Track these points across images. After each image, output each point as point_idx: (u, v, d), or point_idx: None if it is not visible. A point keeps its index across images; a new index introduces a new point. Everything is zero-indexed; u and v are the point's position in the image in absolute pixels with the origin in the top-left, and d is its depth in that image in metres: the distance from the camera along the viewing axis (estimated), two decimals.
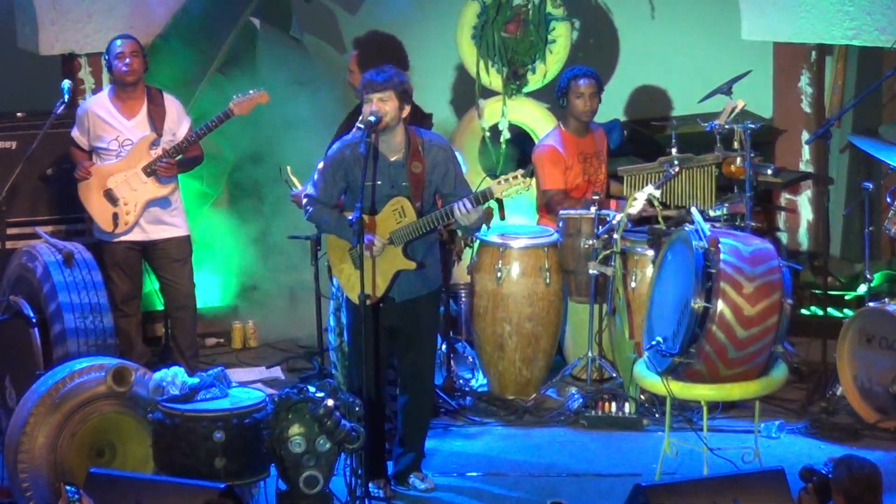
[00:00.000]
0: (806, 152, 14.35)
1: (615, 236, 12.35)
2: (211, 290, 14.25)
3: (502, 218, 12.14)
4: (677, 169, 12.72)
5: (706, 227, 11.42)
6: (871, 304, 12.55)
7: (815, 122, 14.28)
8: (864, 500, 8.85)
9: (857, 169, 14.12)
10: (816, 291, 13.47)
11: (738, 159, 12.82)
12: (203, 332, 13.35)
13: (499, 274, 12.75)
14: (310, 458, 10.37)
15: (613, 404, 12.45)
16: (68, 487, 9.20)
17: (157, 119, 12.68)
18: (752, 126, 12.86)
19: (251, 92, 12.79)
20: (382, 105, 10.85)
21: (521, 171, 11.07)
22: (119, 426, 10.93)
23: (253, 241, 14.64)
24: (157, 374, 10.96)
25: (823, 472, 9.03)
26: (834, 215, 14.42)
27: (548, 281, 12.77)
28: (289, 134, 14.08)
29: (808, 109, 14.42)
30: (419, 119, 12.27)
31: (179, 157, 12.63)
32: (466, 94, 14.58)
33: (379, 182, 10.99)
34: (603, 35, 15.01)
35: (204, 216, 14.26)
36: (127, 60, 12.62)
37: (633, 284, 12.49)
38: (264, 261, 14.67)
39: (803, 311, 13.27)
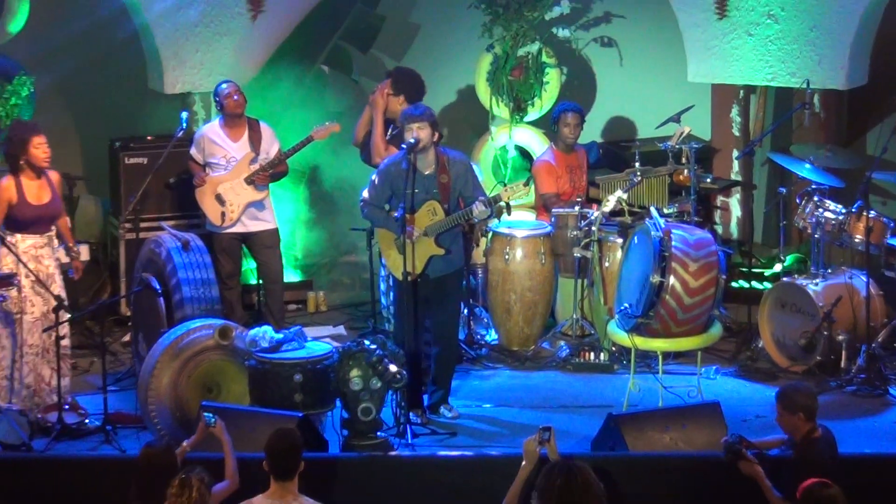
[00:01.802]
0: (736, 166, 14.29)
1: (593, 228, 12.31)
2: (293, 269, 14.22)
3: (509, 214, 12.11)
4: (640, 178, 12.68)
5: (661, 221, 11.43)
6: (784, 279, 12.54)
7: (743, 143, 14.21)
8: (815, 409, 8.92)
9: (775, 178, 14.06)
10: (744, 269, 13.42)
11: (685, 171, 12.78)
12: (286, 300, 13.31)
13: (507, 256, 12.71)
14: (365, 393, 10.36)
15: (592, 354, 12.43)
16: (206, 414, 9.22)
17: (255, 142, 12.66)
18: (696, 146, 12.85)
19: (327, 123, 12.82)
20: (420, 132, 10.96)
21: (522, 182, 11.29)
22: (223, 370, 10.97)
23: (324, 232, 14.62)
24: (252, 332, 10.99)
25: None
26: (757, 212, 14.38)
27: (543, 262, 12.72)
28: (348, 150, 14.08)
29: (737, 133, 14.36)
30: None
31: (272, 170, 12.62)
32: (482, 122, 14.53)
33: (417, 190, 11.04)
34: (584, 78, 14.96)
35: (289, 214, 14.23)
36: (235, 98, 12.62)
37: (606, 264, 12.43)
38: (333, 247, 14.65)
39: (734, 284, 13.22)
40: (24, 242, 11.19)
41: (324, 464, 8.85)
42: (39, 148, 11.18)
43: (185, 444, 9.16)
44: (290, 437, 8.61)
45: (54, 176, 11.39)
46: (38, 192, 11.24)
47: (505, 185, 11.51)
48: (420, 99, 12.37)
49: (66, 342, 11.25)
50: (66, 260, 11.51)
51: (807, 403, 8.93)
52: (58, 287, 11.25)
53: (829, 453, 8.86)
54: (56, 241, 11.41)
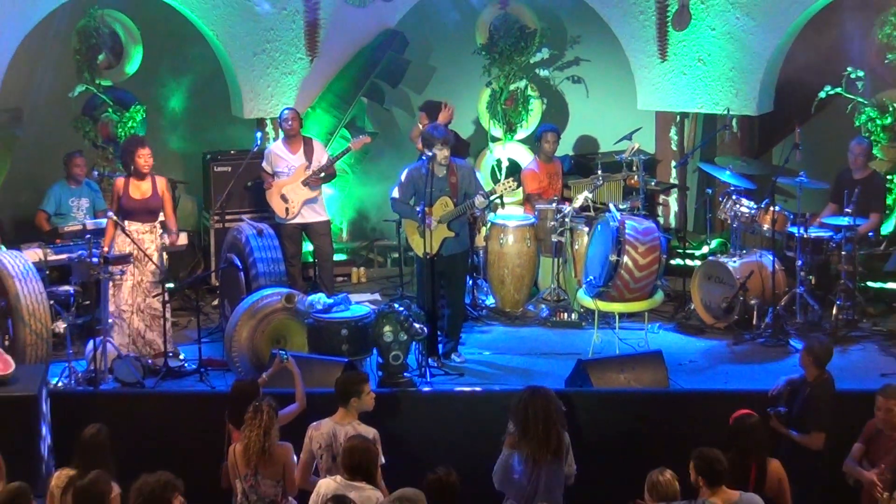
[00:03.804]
0: (674, 172, 14.24)
1: (567, 220, 12.28)
2: (340, 250, 14.17)
3: (503, 207, 12.06)
4: (601, 182, 12.61)
5: (618, 214, 11.40)
6: (710, 257, 12.51)
7: (679, 155, 14.17)
8: (824, 358, 8.94)
9: (703, 181, 13.98)
10: (679, 250, 13.36)
11: (636, 176, 12.72)
12: (335, 274, 13.26)
13: (501, 241, 12.65)
14: (395, 344, 10.32)
15: (566, 314, 12.37)
16: (280, 351, 9.23)
17: (309, 154, 12.62)
18: (643, 157, 12.83)
19: (361, 136, 12.94)
20: (444, 149, 11.06)
21: (511, 179, 11.37)
22: (288, 327, 10.95)
23: (364, 223, 14.59)
24: (310, 297, 10.99)
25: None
26: (689, 208, 14.32)
27: (529, 244, 12.66)
28: (380, 158, 14.07)
29: (675, 148, 14.31)
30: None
31: (323, 175, 12.59)
32: (482, 139, 14.50)
33: (433, 189, 11.02)
34: (560, 106, 14.90)
35: (338, 209, 14.19)
36: (290, 123, 12.62)
37: (576, 247, 12.38)
38: (370, 234, 14.61)
39: (672, 261, 13.14)
40: (130, 227, 11.23)
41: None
42: (142, 157, 11.32)
43: (263, 376, 9.31)
44: (347, 376, 8.73)
45: (160, 180, 11.44)
46: (142, 189, 11.31)
47: (498, 182, 11.60)
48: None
49: (157, 303, 11.28)
50: (167, 241, 11.53)
51: (818, 353, 8.97)
52: (153, 265, 11.23)
53: (831, 393, 8.84)
54: (159, 229, 11.41)
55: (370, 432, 8.31)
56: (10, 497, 7.11)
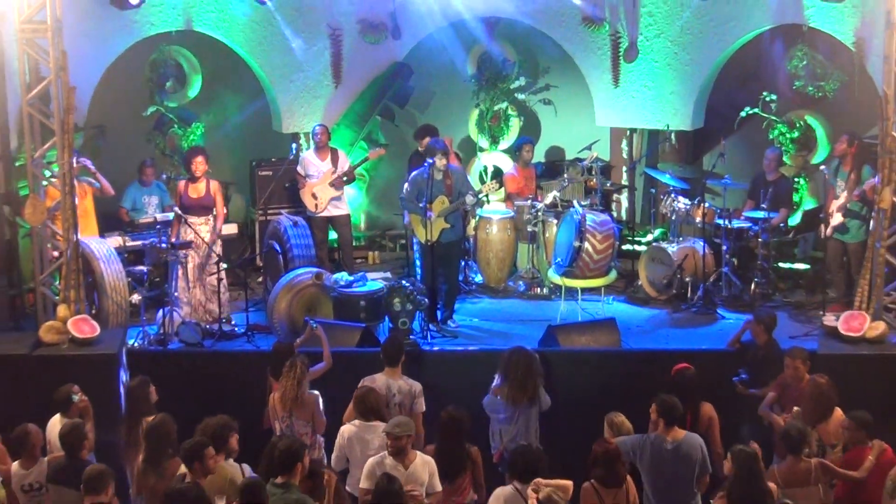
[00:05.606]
0: (625, 176, 14.14)
1: (539, 213, 12.24)
2: (358, 238, 14.11)
3: (488, 203, 11.99)
4: (567, 183, 12.59)
5: (580, 209, 11.39)
6: (654, 244, 12.45)
7: (629, 162, 14.10)
8: (772, 326, 9.03)
9: (648, 183, 13.94)
10: (629, 238, 13.31)
11: (594, 179, 12.70)
12: (354, 257, 13.22)
13: (487, 230, 12.59)
14: (402, 313, 10.34)
15: (539, 289, 12.34)
16: (312, 321, 9.22)
17: (335, 162, 12.57)
18: (601, 164, 12.85)
19: (377, 148, 12.89)
20: (443, 158, 11.02)
21: (495, 181, 11.44)
22: (318, 299, 10.93)
23: (378, 216, 14.53)
24: (335, 275, 10.96)
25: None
26: (637, 204, 14.24)
27: (509, 233, 12.59)
28: (390, 162, 13.98)
29: (626, 157, 14.23)
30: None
31: (345, 178, 12.54)
32: (472, 149, 14.43)
33: (433, 189, 10.96)
34: (534, 123, 14.82)
35: (358, 204, 14.13)
36: (319, 137, 12.58)
37: (547, 235, 12.32)
38: (383, 224, 14.55)
39: (623, 247, 13.08)
40: (190, 220, 11.24)
41: (378, 356, 8.79)
42: (195, 164, 11.45)
43: (298, 340, 9.27)
44: (396, 339, 8.73)
45: (214, 183, 11.54)
46: (197, 190, 11.40)
47: (484, 184, 11.58)
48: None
49: (213, 280, 11.30)
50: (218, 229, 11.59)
51: (767, 322, 9.10)
52: (211, 251, 11.25)
53: (780, 352, 8.85)
54: (212, 222, 11.43)
55: (417, 386, 8.37)
56: (70, 429, 7.36)
